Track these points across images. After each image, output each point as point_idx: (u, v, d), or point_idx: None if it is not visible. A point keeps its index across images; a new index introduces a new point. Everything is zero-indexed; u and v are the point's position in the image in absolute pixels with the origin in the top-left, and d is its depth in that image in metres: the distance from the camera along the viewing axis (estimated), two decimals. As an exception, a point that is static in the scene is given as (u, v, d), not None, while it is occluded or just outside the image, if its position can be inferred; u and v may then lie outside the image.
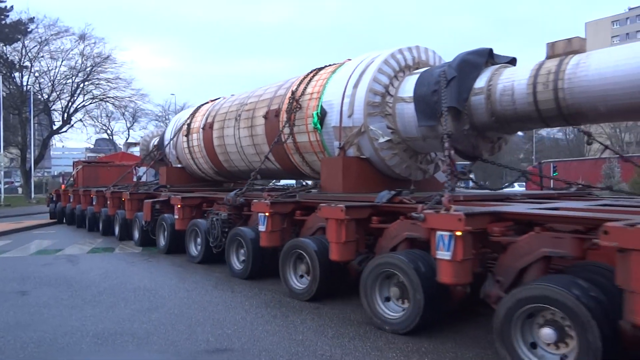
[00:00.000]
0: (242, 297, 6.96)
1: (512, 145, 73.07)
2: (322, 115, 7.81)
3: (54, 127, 44.70)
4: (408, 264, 5.18)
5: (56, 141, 52.17)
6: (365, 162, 7.57)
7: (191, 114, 12.83)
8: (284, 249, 7.08)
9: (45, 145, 45.93)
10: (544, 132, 70.46)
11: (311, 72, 9.07)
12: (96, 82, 43.73)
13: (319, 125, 7.88)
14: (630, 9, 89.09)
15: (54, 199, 21.56)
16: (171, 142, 13.34)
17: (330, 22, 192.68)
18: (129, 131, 56.17)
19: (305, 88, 8.55)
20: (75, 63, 42.06)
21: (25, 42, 40.03)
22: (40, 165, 56.27)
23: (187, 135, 12.45)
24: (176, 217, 10.28)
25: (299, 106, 8.39)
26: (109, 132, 57.57)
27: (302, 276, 6.92)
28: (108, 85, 43.88)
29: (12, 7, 39.80)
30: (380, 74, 7.24)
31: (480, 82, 6.17)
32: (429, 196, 5.67)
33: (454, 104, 6.05)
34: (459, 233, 4.57)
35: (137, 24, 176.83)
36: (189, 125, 12.46)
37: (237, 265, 8.41)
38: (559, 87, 5.48)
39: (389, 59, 7.34)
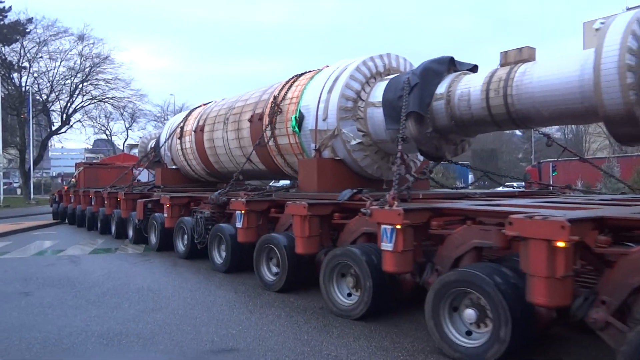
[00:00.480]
0: (245, 297, 6.97)
1: (511, 145, 73.25)
2: (300, 119, 8.25)
3: (53, 128, 44.64)
4: (360, 255, 5.73)
5: (55, 142, 52.20)
6: (340, 163, 7.98)
7: (184, 117, 13.31)
8: (257, 243, 7.60)
9: (44, 146, 45.86)
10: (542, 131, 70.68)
11: (292, 77, 9.46)
12: (95, 83, 43.66)
13: (297, 129, 8.32)
14: (628, 9, 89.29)
15: (57, 199, 22.18)
16: (166, 144, 13.82)
17: (329, 22, 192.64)
18: (127, 132, 56.17)
19: (286, 93, 8.98)
20: (74, 64, 42.01)
21: (24, 43, 39.93)
22: (39, 166, 56.16)
23: (180, 138, 12.92)
24: (165, 215, 10.91)
25: (279, 110, 8.84)
26: (107, 132, 57.54)
27: (274, 267, 7.43)
28: (107, 86, 43.81)
29: (10, 7, 39.69)
30: (352, 80, 7.69)
31: (441, 89, 6.58)
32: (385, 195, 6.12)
33: (416, 109, 6.46)
34: (398, 226, 5.08)
35: (135, 24, 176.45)
36: (182, 128, 12.91)
37: (218, 259, 9.01)
38: (508, 93, 5.90)
39: (361, 66, 7.77)
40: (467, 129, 6.60)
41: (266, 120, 9.09)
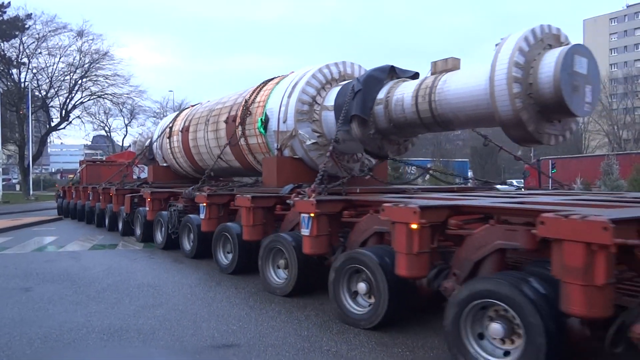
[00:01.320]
0: (245, 293, 6.99)
1: (510, 142, 73.13)
2: (266, 121, 8.98)
3: (52, 124, 44.57)
4: (290, 242, 6.63)
5: (54, 138, 51.99)
6: (298, 161, 8.70)
7: (173, 118, 14.09)
8: (215, 232, 8.59)
9: (43, 142, 45.82)
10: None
11: (262, 82, 10.11)
12: (94, 79, 43.61)
13: (262, 130, 9.06)
14: (628, 7, 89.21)
15: (62, 195, 23.16)
16: (157, 143, 14.58)
17: (329, 19, 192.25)
18: (127, 128, 56.18)
19: (255, 97, 9.70)
20: (73, 60, 41.92)
21: (23, 39, 39.85)
22: (39, 162, 56.05)
23: (169, 137, 13.74)
24: (147, 209, 11.87)
25: (249, 113, 9.58)
26: (106, 129, 57.46)
27: (228, 252, 8.39)
28: (106, 82, 43.77)
29: (9, 3, 39.62)
30: (308, 86, 8.40)
31: (381, 94, 7.24)
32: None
33: (359, 112, 7.13)
34: (312, 214, 5.97)
35: (135, 20, 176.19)
36: (170, 128, 13.67)
37: (187, 246, 10.08)
38: (432, 99, 6.59)
39: (317, 74, 8.49)
40: (403, 131, 7.28)
41: (238, 121, 9.85)
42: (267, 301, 6.52)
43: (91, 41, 41.84)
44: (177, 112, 14.66)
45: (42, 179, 64.78)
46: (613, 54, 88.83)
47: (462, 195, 6.36)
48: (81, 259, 10.24)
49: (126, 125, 55.75)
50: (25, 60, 40.62)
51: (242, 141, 9.79)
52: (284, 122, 8.44)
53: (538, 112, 5.56)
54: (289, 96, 8.50)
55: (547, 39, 5.62)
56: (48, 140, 49.32)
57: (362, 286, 5.37)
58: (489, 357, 4.00)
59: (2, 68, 39.26)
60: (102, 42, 43.85)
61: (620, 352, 3.53)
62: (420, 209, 4.44)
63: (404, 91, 6.97)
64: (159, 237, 11.42)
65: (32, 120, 41.11)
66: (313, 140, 8.34)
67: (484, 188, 9.04)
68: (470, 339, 4.09)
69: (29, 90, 39.07)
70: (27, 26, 39.99)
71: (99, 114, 51.97)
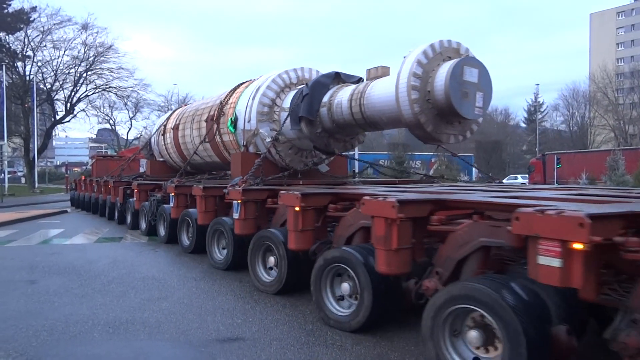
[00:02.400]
0: (250, 286, 7.00)
1: (515, 137, 72.87)
2: (235, 120, 9.82)
3: (57, 117, 44.67)
4: (228, 225, 7.80)
5: (59, 131, 52.18)
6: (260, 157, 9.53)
7: (167, 117, 15.06)
8: (179, 218, 10.11)
9: (48, 135, 45.93)
10: (547, 124, 70.38)
11: (236, 85, 10.90)
12: (99, 72, 43.68)
13: (232, 128, 9.90)
14: (635, 0, 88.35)
15: (74, 187, 25.00)
16: (153, 139, 15.44)
17: (333, 11, 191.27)
18: (131, 121, 56.21)
19: (228, 99, 10.55)
20: (78, 53, 42.01)
21: (28, 32, 39.93)
22: (43, 155, 56.29)
23: (163, 135, 14.41)
24: (135, 199, 13.30)
25: (223, 113, 10.44)
26: (111, 122, 57.50)
27: (191, 236, 9.70)
28: (111, 75, 43.84)
29: (14, -5, 39.67)
30: (268, 90, 9.24)
31: (326, 98, 8.12)
32: (270, 180, 8.20)
33: (305, 114, 8.04)
34: (239, 201, 7.12)
35: (139, 13, 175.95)
36: (165, 126, 14.43)
37: (162, 232, 11.38)
38: (362, 103, 7.44)
39: (276, 79, 9.33)
40: (344, 130, 8.16)
41: (214, 120, 10.77)
42: (271, 295, 6.53)
43: (96, 34, 41.94)
44: (172, 111, 15.74)
45: (47, 172, 65.03)
46: (620, 48, 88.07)
47: (412, 188, 6.88)
48: (86, 251, 10.29)
49: (131, 119, 55.86)
50: (30, 53, 40.74)
51: (217, 138, 10.70)
52: (249, 121, 9.35)
53: (436, 115, 6.47)
54: (253, 99, 9.38)
55: (447, 52, 6.53)
56: (53, 133, 49.48)
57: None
58: None
59: (7, 61, 39.30)
60: (106, 35, 44.10)
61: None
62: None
63: (343, 95, 7.85)
64: (143, 224, 12.75)
65: (37, 113, 41.23)
66: (271, 138, 9.09)
67: (429, 181, 10.00)
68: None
69: (34, 83, 39.16)
70: (32, 19, 40.04)
71: (104, 107, 51.96)
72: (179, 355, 4.57)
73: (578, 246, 3.00)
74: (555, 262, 3.08)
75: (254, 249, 6.90)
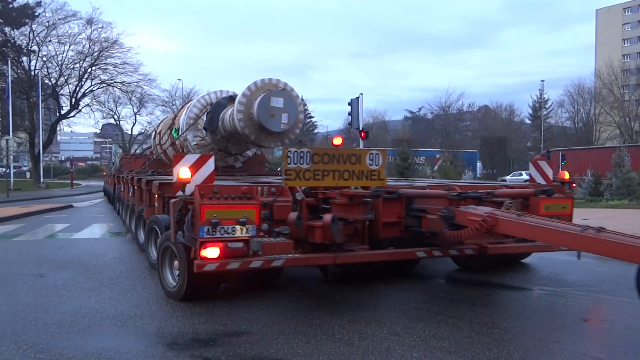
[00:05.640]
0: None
1: (520, 133, 72.61)
2: (178, 129, 11.65)
3: (62, 112, 44.79)
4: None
5: (64, 126, 52.29)
6: None
7: (160, 121, 16.75)
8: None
9: (53, 130, 46.10)
10: (552, 120, 70.00)
11: (187, 100, 13.05)
12: (104, 67, 43.73)
13: (175, 134, 11.88)
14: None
15: (107, 180, 27.18)
16: (152, 140, 16.36)
17: (342, 4, 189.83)
18: (135, 117, 56.23)
19: (180, 111, 12.57)
20: (83, 48, 42.08)
21: (33, 26, 40.04)
22: (48, 150, 56.45)
23: (154, 138, 15.55)
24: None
25: (173, 123, 12.43)
26: (116, 117, 57.58)
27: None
28: (115, 70, 43.86)
29: (19, -10, 39.71)
30: (194, 107, 11.20)
31: (222, 114, 9.78)
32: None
33: (207, 126, 10.14)
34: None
35: (143, 7, 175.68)
36: (155, 131, 15.73)
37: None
38: (233, 119, 8.97)
39: (200, 99, 11.37)
40: (233, 138, 9.91)
41: (171, 127, 12.72)
42: (279, 289, 6.56)
43: (100, 29, 41.98)
44: (165, 118, 17.49)
45: (52, 167, 65.27)
46: (626, 45, 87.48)
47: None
48: (94, 245, 10.35)
49: (135, 114, 55.82)
50: (35, 48, 40.87)
51: (177, 142, 12.42)
52: (183, 130, 11.33)
53: (258, 128, 8.73)
54: (185, 113, 11.47)
55: (267, 86, 8.78)
56: (58, 128, 49.64)
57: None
58: None
59: (12, 56, 39.42)
60: (111, 30, 43.64)
61: None
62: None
63: (227, 113, 9.62)
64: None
65: (42, 108, 41.39)
66: (195, 142, 11.05)
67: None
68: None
69: (39, 78, 39.28)
70: (36, 14, 40.16)
71: (109, 102, 52.06)
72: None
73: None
74: None
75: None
